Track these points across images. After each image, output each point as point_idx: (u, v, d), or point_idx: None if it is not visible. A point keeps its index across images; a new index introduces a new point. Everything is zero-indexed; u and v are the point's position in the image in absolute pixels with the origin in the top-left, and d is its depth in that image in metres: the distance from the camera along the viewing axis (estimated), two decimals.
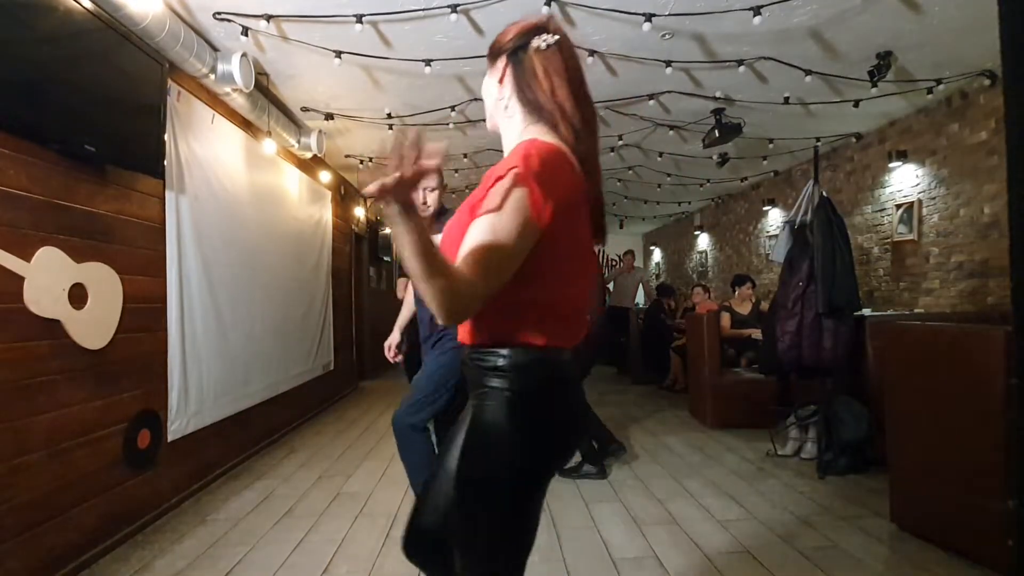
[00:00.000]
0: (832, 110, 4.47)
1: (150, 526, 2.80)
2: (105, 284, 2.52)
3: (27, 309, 2.08)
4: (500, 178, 0.94)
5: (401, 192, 0.78)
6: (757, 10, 2.85)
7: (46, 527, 2.18)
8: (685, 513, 2.89)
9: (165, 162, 2.87)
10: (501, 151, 1.16)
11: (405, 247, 0.82)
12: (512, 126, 1.16)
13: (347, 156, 5.74)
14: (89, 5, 2.26)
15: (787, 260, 3.61)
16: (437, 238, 0.94)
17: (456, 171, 6.17)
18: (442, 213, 2.47)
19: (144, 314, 2.82)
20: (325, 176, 5.74)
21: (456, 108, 4.24)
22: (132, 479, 2.71)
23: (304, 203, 5.25)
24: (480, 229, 0.92)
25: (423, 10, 2.89)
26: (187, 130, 3.17)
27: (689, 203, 8.78)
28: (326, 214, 5.90)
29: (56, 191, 2.28)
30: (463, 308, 0.89)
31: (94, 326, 2.44)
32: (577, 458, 3.43)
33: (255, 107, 3.82)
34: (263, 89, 3.87)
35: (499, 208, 0.91)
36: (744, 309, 5.33)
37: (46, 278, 2.17)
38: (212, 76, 3.20)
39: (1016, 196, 1.04)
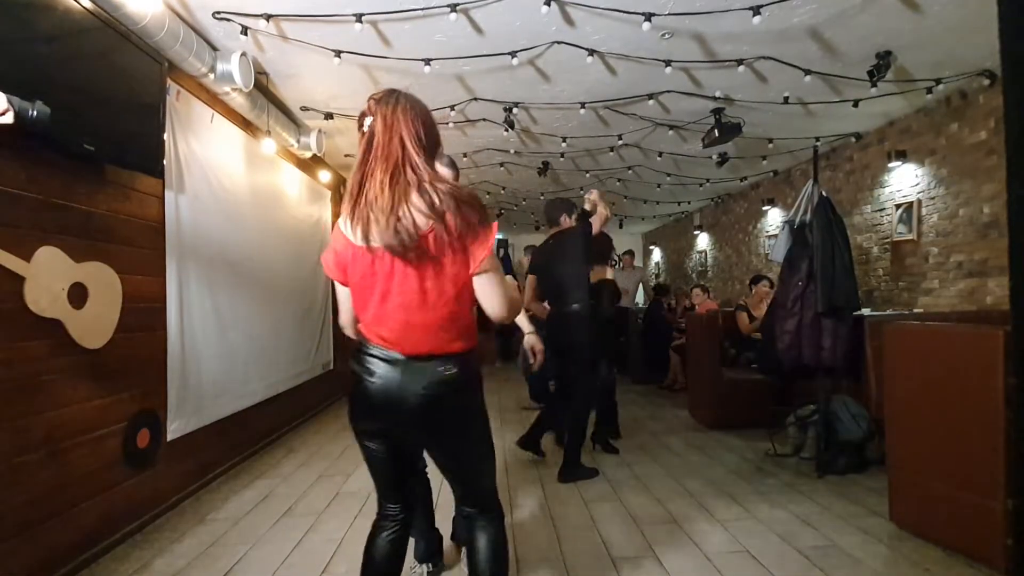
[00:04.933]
0: (832, 110, 4.47)
1: (150, 525, 2.80)
2: (104, 284, 2.52)
3: (27, 309, 2.08)
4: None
5: None
6: (757, 10, 2.85)
7: (46, 526, 2.18)
8: (685, 513, 2.89)
9: (164, 161, 2.87)
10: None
11: None
12: None
13: (347, 155, 5.74)
14: (88, 4, 2.25)
15: (786, 260, 3.61)
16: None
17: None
18: None
19: (144, 313, 2.82)
20: (325, 175, 5.73)
21: (456, 107, 4.24)
22: (132, 478, 2.71)
23: (304, 202, 5.25)
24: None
25: (423, 9, 2.89)
26: (186, 129, 3.16)
27: (689, 203, 8.78)
28: (326, 213, 5.90)
29: (55, 191, 2.28)
30: None
31: (94, 325, 2.43)
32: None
33: (254, 106, 3.82)
34: (262, 88, 3.87)
35: None
36: (759, 310, 5.27)
37: (46, 278, 2.17)
38: (211, 75, 3.20)
39: (1015, 196, 1.04)
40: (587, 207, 3.64)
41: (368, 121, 1.37)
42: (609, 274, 4.40)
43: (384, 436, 1.49)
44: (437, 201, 1.30)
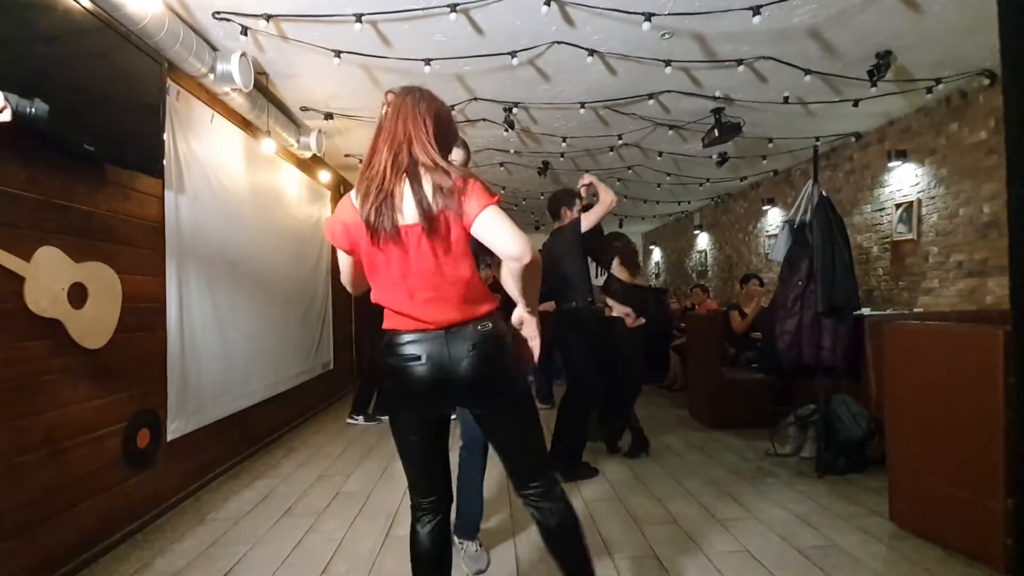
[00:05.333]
0: (832, 110, 4.47)
1: (150, 525, 2.80)
2: (104, 284, 2.52)
3: (27, 309, 2.08)
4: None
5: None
6: (756, 9, 2.85)
7: (46, 526, 2.18)
8: (685, 513, 2.89)
9: (164, 162, 2.87)
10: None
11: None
12: None
13: (347, 155, 5.74)
14: (88, 4, 2.25)
15: (786, 259, 3.61)
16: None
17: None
18: None
19: (143, 313, 2.82)
20: (325, 176, 5.74)
21: (456, 107, 4.24)
22: (132, 478, 2.71)
23: (304, 202, 5.25)
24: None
25: (422, 9, 2.89)
26: (186, 129, 3.16)
27: (688, 203, 8.78)
28: (326, 213, 5.90)
29: (55, 191, 2.28)
30: None
31: (93, 326, 2.43)
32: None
33: (254, 106, 3.82)
34: (262, 88, 3.87)
35: None
36: (750, 307, 5.30)
37: (46, 278, 2.17)
38: (211, 75, 3.20)
39: (1015, 195, 1.04)
40: (582, 193, 3.52)
41: (384, 109, 1.45)
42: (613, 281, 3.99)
43: (426, 424, 1.53)
44: (432, 188, 1.36)
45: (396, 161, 1.39)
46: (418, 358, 1.43)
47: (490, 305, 1.50)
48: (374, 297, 1.52)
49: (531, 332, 1.53)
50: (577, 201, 3.51)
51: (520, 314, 1.53)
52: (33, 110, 1.75)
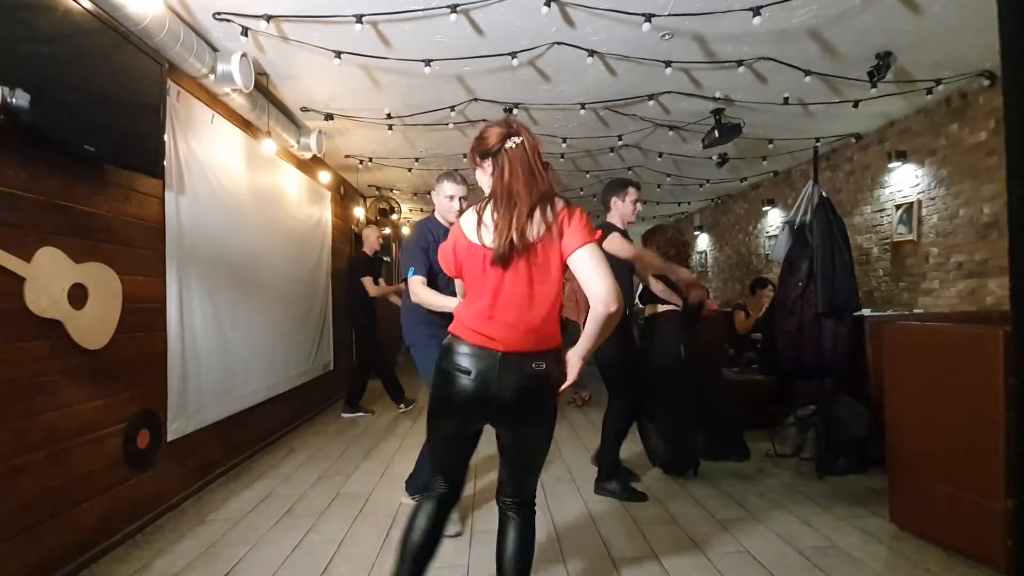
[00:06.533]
0: (832, 110, 4.47)
1: (150, 526, 2.80)
2: (105, 284, 2.52)
3: (27, 309, 2.08)
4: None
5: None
6: (757, 10, 2.85)
7: (46, 527, 2.18)
8: (685, 513, 2.89)
9: (165, 162, 2.87)
10: None
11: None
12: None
13: (347, 156, 5.74)
14: (89, 5, 2.25)
15: (787, 260, 3.61)
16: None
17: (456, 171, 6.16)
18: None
19: (144, 314, 2.82)
20: (325, 176, 5.74)
21: (456, 108, 4.24)
22: (132, 479, 2.71)
23: (304, 203, 5.25)
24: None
25: (423, 10, 2.89)
26: (187, 130, 3.16)
27: (689, 203, 8.78)
28: (326, 214, 5.90)
29: (56, 191, 2.28)
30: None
31: (94, 326, 2.43)
32: None
33: (255, 107, 3.82)
34: (263, 89, 3.87)
35: None
36: (757, 310, 5.28)
37: (46, 278, 2.17)
38: (212, 76, 3.20)
39: (1015, 196, 1.04)
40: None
41: (516, 140, 1.54)
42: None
43: (463, 430, 1.62)
44: (537, 217, 1.48)
45: (509, 191, 1.49)
46: (468, 372, 1.51)
47: (555, 342, 1.56)
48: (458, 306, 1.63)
49: (571, 375, 1.57)
50: (631, 190, 3.27)
51: (570, 357, 1.57)
52: (13, 100, 1.72)
